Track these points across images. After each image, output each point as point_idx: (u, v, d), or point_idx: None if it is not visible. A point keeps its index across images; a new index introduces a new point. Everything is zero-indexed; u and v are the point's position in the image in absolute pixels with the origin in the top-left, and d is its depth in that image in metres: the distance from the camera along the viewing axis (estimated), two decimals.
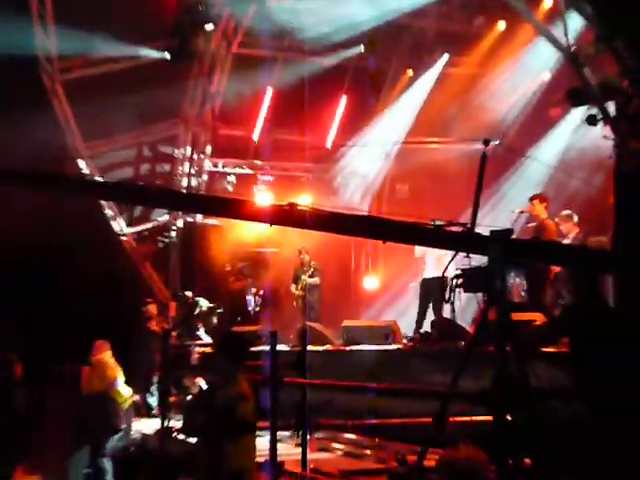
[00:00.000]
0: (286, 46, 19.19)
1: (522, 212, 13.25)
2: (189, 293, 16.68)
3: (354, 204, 20.01)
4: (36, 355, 11.00)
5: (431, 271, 14.02)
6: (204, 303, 16.27)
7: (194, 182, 19.99)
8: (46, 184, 6.68)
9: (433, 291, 13.78)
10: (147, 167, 20.14)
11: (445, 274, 10.18)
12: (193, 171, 19.99)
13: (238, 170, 20.26)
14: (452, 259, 6.84)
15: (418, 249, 14.16)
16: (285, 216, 6.18)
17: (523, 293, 12.32)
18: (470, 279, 6.12)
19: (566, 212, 12.74)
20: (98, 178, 18.23)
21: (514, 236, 6.59)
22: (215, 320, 16.39)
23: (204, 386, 11.19)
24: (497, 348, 5.24)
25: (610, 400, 6.16)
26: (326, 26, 17.99)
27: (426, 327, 13.35)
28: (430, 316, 13.84)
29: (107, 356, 12.34)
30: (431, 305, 13.97)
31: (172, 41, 17.41)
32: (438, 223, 10.42)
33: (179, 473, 8.97)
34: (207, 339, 15.37)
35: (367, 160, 20.37)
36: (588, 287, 7.30)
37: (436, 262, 13.70)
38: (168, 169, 20.11)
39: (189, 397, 12.68)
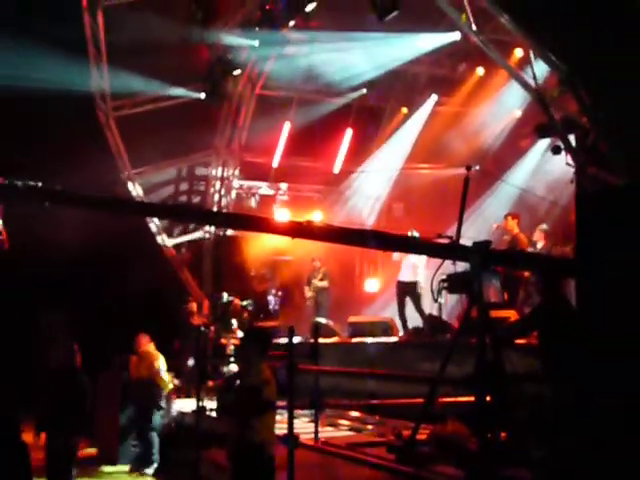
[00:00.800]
0: (301, 88, 19.25)
1: (498, 226, 13.29)
2: (225, 294, 16.56)
3: (357, 220, 20.01)
4: (93, 346, 11.01)
5: (406, 275, 13.87)
6: (237, 302, 16.20)
7: (224, 201, 20.03)
8: (103, 206, 6.77)
9: (409, 294, 13.75)
10: (185, 189, 20.23)
11: (433, 278, 10.25)
12: (223, 191, 20.05)
13: (260, 191, 20.30)
14: (440, 266, 6.83)
15: (396, 254, 14.12)
16: (304, 231, 6.24)
17: (499, 294, 12.34)
18: (454, 283, 6.12)
19: (543, 226, 12.82)
20: (145, 200, 18.37)
21: (492, 247, 6.59)
22: (246, 315, 16.27)
23: (235, 372, 11.19)
24: (478, 340, 5.26)
25: (571, 383, 6.17)
26: (335, 73, 18.14)
27: (417, 322, 13.35)
28: (411, 313, 13.81)
29: (151, 348, 12.37)
30: (412, 305, 13.82)
31: (206, 84, 17.48)
32: (415, 234, 10.39)
33: (212, 445, 8.99)
34: (240, 333, 15.35)
35: (369, 183, 20.39)
36: (553, 289, 7.31)
37: (411, 268, 13.69)
38: (202, 189, 20.22)
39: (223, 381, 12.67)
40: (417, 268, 13.61)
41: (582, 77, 7.71)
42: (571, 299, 8.16)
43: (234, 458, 5.78)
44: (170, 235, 18.92)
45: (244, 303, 16.26)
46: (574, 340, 6.09)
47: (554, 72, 9.58)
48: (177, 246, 19.09)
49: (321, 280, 16.67)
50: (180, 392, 13.81)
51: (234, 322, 15.44)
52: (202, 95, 17.64)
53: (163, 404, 12.25)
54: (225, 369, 13.53)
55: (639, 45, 6.98)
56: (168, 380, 12.33)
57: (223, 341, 14.77)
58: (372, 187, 20.44)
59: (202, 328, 14.46)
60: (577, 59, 7.57)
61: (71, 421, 9.12)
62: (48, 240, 13.99)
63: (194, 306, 15.44)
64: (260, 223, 7.00)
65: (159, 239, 18.71)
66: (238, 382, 5.92)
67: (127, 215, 12.32)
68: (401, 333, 13.24)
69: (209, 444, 9.09)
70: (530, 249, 12.66)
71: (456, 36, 15.18)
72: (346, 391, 11.00)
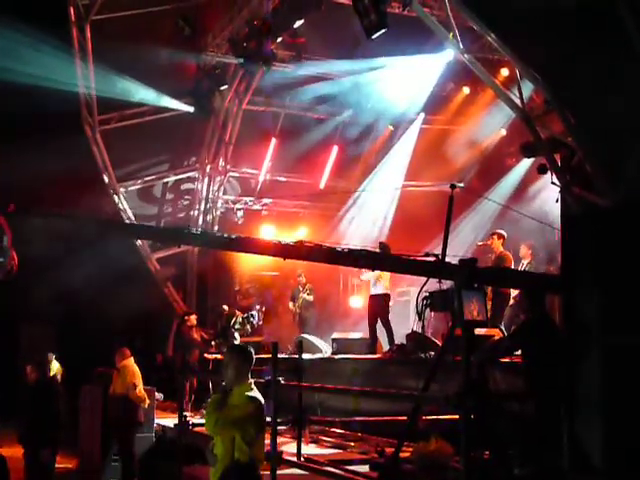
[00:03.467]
0: (287, 104, 19.30)
1: (484, 244, 13.34)
2: (225, 307, 16.30)
3: (344, 236, 20.01)
4: (78, 360, 10.96)
5: (375, 289, 13.76)
6: (238, 314, 15.93)
7: (209, 216, 20.00)
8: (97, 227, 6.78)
9: (380, 306, 13.66)
10: (170, 202, 20.20)
11: (418, 296, 10.24)
12: (209, 206, 20.01)
13: (246, 206, 20.27)
14: (425, 284, 6.82)
15: (367, 275, 14.02)
16: (295, 251, 6.24)
17: (484, 312, 12.34)
18: (436, 300, 6.12)
19: (528, 242, 12.91)
20: (131, 213, 18.33)
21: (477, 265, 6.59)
22: (249, 328, 16.03)
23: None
24: (462, 359, 5.25)
25: (554, 400, 6.17)
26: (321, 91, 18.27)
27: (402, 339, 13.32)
28: (397, 329, 13.76)
29: (130, 362, 12.18)
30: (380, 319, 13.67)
31: (193, 99, 17.49)
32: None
33: (194, 460, 8.90)
34: None
35: (357, 200, 20.40)
36: (537, 307, 7.32)
37: (374, 280, 13.63)
38: (187, 204, 20.18)
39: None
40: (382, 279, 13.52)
41: (566, 97, 7.76)
42: (554, 316, 8.19)
43: (221, 477, 5.71)
44: (154, 249, 18.82)
45: (245, 315, 16.00)
46: (558, 358, 6.11)
47: (540, 91, 9.66)
48: (161, 260, 18.98)
49: (306, 294, 16.67)
50: (166, 407, 13.70)
51: (237, 335, 15.21)
52: (191, 109, 17.62)
53: (141, 419, 12.10)
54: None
55: (624, 65, 7.04)
56: (144, 395, 12.15)
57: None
58: (360, 204, 20.43)
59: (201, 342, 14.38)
60: (561, 79, 7.62)
61: (45, 435, 9.18)
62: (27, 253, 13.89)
63: (194, 319, 15.17)
64: (256, 245, 7.00)
65: (143, 253, 18.61)
66: (222, 399, 5.83)
67: (118, 237, 12.32)
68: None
69: (192, 459, 9.01)
70: (518, 266, 12.76)
71: (449, 56, 15.08)
72: (329, 408, 10.96)
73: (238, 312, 16.04)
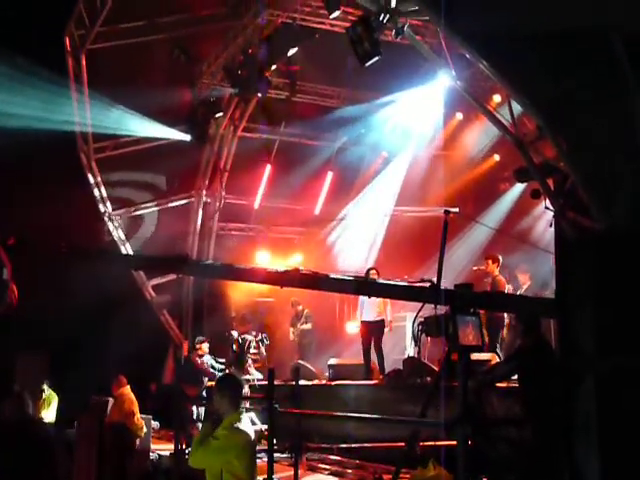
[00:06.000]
0: (282, 131, 19.40)
1: (479, 269, 13.41)
2: (234, 332, 15.60)
3: (338, 262, 20.04)
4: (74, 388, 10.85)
5: (369, 314, 13.72)
6: (250, 338, 15.24)
7: (204, 242, 19.99)
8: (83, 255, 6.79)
9: (374, 332, 13.63)
10: (165, 229, 20.18)
11: (414, 321, 10.22)
12: (204, 233, 20.03)
13: (241, 232, 20.30)
14: (420, 309, 6.84)
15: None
16: (291, 279, 6.24)
17: (479, 337, 12.35)
18: (431, 326, 6.13)
19: (522, 268, 12.98)
20: (125, 241, 18.33)
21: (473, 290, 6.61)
22: (264, 351, 15.53)
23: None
24: (460, 384, 5.25)
25: (552, 425, 6.16)
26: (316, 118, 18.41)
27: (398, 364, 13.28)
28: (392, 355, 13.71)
29: (127, 390, 12.16)
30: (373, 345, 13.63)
31: (189, 126, 17.56)
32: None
33: None
34: (254, 371, 14.73)
35: (350, 225, 20.44)
36: (533, 332, 7.33)
37: (371, 306, 13.52)
38: (183, 231, 20.16)
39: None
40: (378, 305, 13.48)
41: (558, 123, 7.81)
42: (550, 339, 8.20)
43: None
44: (149, 276, 18.79)
45: (260, 337, 15.45)
46: (555, 382, 6.11)
47: (531, 117, 9.72)
48: (157, 287, 18.94)
49: (304, 323, 16.64)
50: (161, 435, 13.57)
51: (249, 360, 14.87)
52: (188, 137, 17.70)
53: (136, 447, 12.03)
54: None
55: (614, 90, 7.11)
56: (142, 424, 12.10)
57: None
58: (354, 229, 20.47)
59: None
60: (553, 105, 7.68)
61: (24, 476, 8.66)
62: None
63: (205, 348, 14.86)
64: (252, 274, 7.00)
65: (138, 280, 18.59)
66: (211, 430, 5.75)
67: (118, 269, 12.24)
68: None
69: None
70: (517, 290, 12.83)
71: (443, 84, 15.12)
72: (326, 434, 10.91)
73: (250, 335, 15.42)
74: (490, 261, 12.84)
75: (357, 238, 20.29)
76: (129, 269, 16.07)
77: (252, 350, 15.14)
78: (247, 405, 11.46)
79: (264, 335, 15.67)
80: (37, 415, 15.30)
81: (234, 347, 14.97)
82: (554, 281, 6.06)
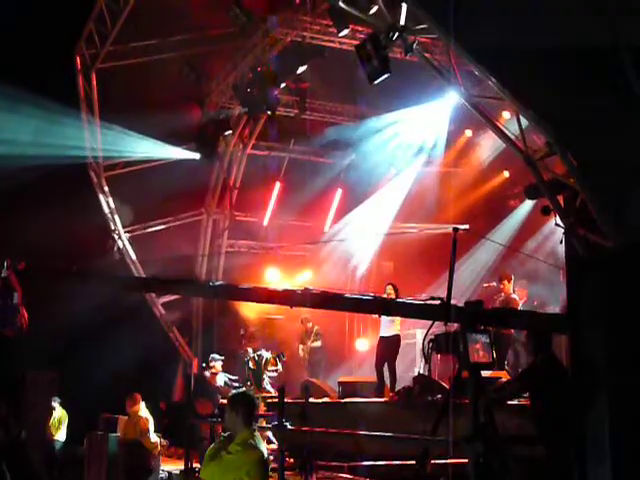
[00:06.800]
0: (291, 149, 19.45)
1: (489, 285, 13.46)
2: (249, 349, 15.38)
3: (347, 279, 20.02)
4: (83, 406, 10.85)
5: (386, 330, 13.57)
6: (266, 354, 15.06)
7: (214, 260, 20.01)
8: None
9: (390, 348, 13.49)
10: (175, 247, 20.21)
11: (424, 339, 10.21)
12: (214, 251, 20.05)
13: (251, 250, 20.31)
14: (430, 326, 6.83)
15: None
16: (301, 299, 6.25)
17: (489, 354, 12.33)
18: (441, 343, 6.13)
19: (521, 282, 13.02)
20: (135, 260, 18.38)
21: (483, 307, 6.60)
22: (281, 367, 15.21)
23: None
24: (471, 401, 5.23)
25: (565, 443, 6.12)
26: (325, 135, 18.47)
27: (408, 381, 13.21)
28: (400, 374, 13.62)
29: (141, 407, 12.16)
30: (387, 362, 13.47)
31: (198, 144, 17.64)
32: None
33: None
34: (270, 388, 14.59)
35: (359, 242, 20.41)
36: (544, 349, 7.30)
37: (389, 322, 13.46)
38: (192, 249, 20.19)
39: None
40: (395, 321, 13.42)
41: (568, 139, 7.83)
42: (561, 356, 8.17)
43: None
44: (159, 294, 18.79)
45: (277, 354, 15.19)
46: (567, 399, 6.08)
47: (541, 133, 9.73)
48: (166, 305, 18.97)
49: (314, 341, 16.60)
50: (171, 453, 13.52)
51: (266, 378, 14.70)
52: (197, 156, 17.76)
53: (151, 465, 12.03)
54: None
55: (625, 106, 7.12)
56: (156, 441, 12.11)
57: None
58: (362, 246, 20.46)
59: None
60: (563, 121, 7.70)
61: None
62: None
63: (219, 366, 14.78)
64: (264, 294, 7.00)
65: (148, 298, 18.61)
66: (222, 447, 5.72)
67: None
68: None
69: None
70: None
71: (452, 100, 15.14)
72: (337, 452, 10.85)
73: (266, 352, 15.20)
74: (506, 281, 12.92)
75: (364, 254, 20.30)
76: (139, 292, 16.04)
77: (270, 367, 14.95)
78: (264, 424, 11.45)
79: (281, 352, 15.46)
80: (50, 435, 15.38)
81: (250, 364, 14.83)
82: (553, 298, 6.07)
